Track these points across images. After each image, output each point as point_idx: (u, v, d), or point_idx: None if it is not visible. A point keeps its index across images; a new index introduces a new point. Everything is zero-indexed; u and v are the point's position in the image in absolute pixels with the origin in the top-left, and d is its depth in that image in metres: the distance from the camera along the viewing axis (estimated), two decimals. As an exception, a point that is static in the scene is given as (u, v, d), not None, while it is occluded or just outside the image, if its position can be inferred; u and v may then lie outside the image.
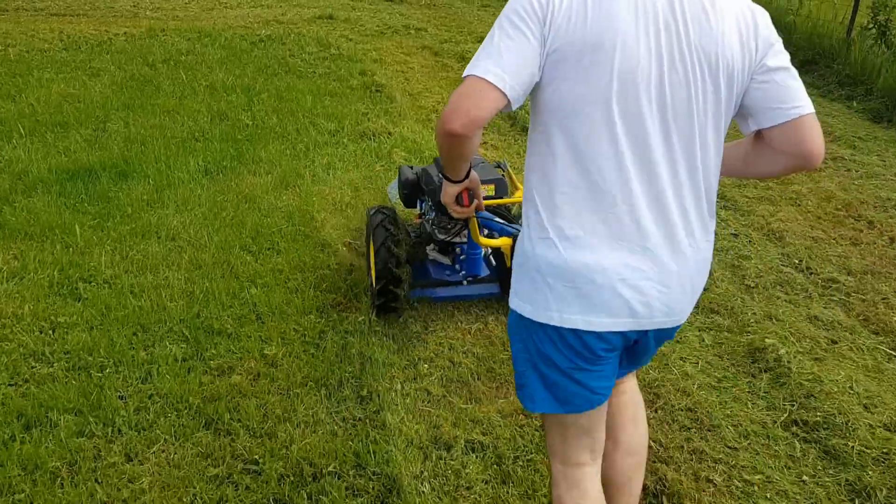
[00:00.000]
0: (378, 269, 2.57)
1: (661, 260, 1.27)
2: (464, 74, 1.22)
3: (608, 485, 1.53)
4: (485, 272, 2.86)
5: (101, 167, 3.67)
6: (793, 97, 1.25)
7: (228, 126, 4.44)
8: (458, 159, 1.38)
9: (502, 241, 2.37)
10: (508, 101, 1.19)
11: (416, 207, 2.99)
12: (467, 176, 1.49)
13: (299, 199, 3.46)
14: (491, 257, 2.93)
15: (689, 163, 1.26)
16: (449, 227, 2.73)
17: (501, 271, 2.78)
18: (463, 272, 2.84)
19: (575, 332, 1.29)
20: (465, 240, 2.79)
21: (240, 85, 5.24)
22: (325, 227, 3.22)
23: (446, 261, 2.90)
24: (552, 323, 1.29)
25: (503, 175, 2.82)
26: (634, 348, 1.39)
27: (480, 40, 1.39)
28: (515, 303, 1.36)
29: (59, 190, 3.43)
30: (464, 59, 6.08)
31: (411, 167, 2.94)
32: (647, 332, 1.32)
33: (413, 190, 2.86)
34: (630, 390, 1.61)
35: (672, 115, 1.22)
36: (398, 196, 2.99)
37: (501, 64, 1.19)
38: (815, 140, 1.26)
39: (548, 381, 1.36)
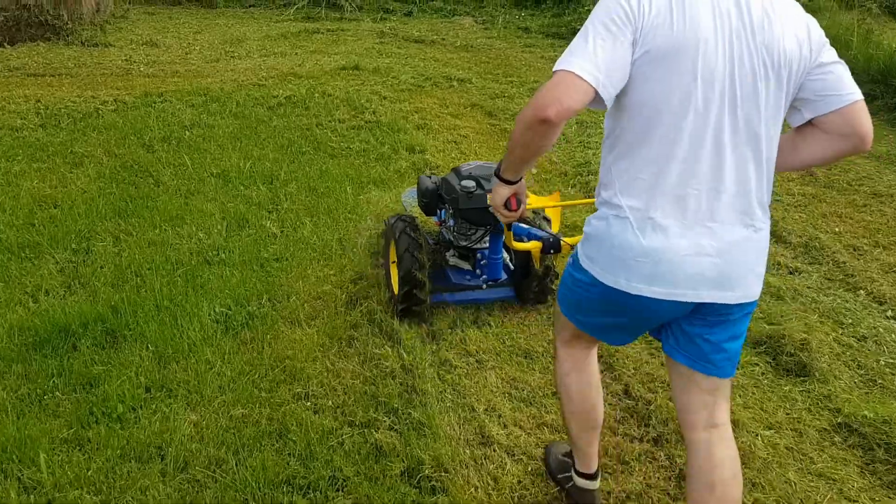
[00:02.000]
0: (402, 274, 2.83)
1: (724, 240, 1.57)
2: (555, 69, 1.50)
3: None
4: (504, 276, 3.12)
5: (80, 325, 2.79)
6: (847, 85, 1.57)
7: (250, 238, 3.57)
8: (531, 154, 1.63)
9: (532, 245, 2.57)
10: (600, 97, 1.48)
11: (434, 215, 3.25)
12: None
13: (359, 365, 2.57)
14: (509, 262, 3.21)
15: (755, 152, 1.57)
16: (469, 233, 3.05)
17: (517, 276, 3.12)
18: (483, 276, 3.11)
19: (638, 297, 1.61)
20: (485, 246, 3.09)
21: (260, 172, 4.38)
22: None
23: (466, 266, 3.18)
24: (619, 287, 1.62)
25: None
26: (698, 326, 1.67)
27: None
28: (586, 262, 1.69)
29: (19, 372, 2.52)
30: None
31: (430, 177, 3.22)
32: (705, 307, 1.62)
33: (433, 199, 3.13)
34: (727, 438, 1.74)
35: (742, 109, 1.53)
36: (414, 204, 3.35)
37: (596, 62, 1.47)
38: (868, 122, 1.57)
39: (583, 317, 1.82)
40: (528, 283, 3.09)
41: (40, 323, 2.79)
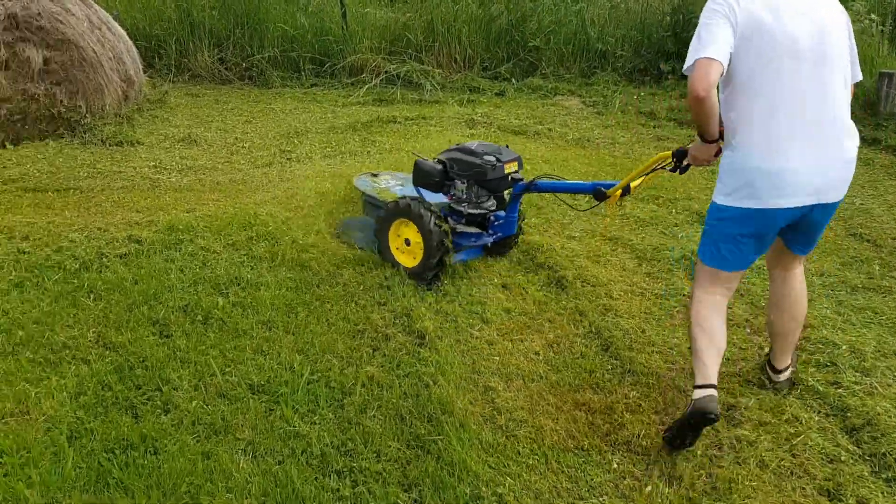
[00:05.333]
0: (434, 245, 3.82)
1: (825, 158, 2.58)
2: (694, 59, 2.50)
3: (777, 334, 3.08)
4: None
5: None
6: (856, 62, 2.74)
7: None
8: (708, 119, 2.57)
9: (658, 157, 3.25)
10: (723, 67, 2.50)
11: (440, 193, 4.14)
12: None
13: None
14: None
15: (834, 94, 2.58)
16: (481, 201, 4.08)
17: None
18: (498, 234, 4.19)
19: (778, 211, 2.59)
20: (494, 210, 4.16)
21: (324, 381, 3.12)
22: None
23: (470, 230, 4.13)
24: (756, 207, 2.59)
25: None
26: (807, 224, 2.73)
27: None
28: (721, 197, 2.68)
29: None
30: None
31: (426, 159, 4.15)
32: (813, 207, 2.62)
33: (442, 177, 4.07)
34: (800, 276, 3.02)
35: (821, 60, 2.55)
36: (369, 189, 4.49)
37: (717, 46, 2.49)
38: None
39: (725, 249, 2.75)
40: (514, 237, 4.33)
41: None
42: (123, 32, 7.91)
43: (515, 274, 4.22)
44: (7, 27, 6.61)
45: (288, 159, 6.49)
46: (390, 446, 2.74)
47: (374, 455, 2.71)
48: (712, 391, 2.69)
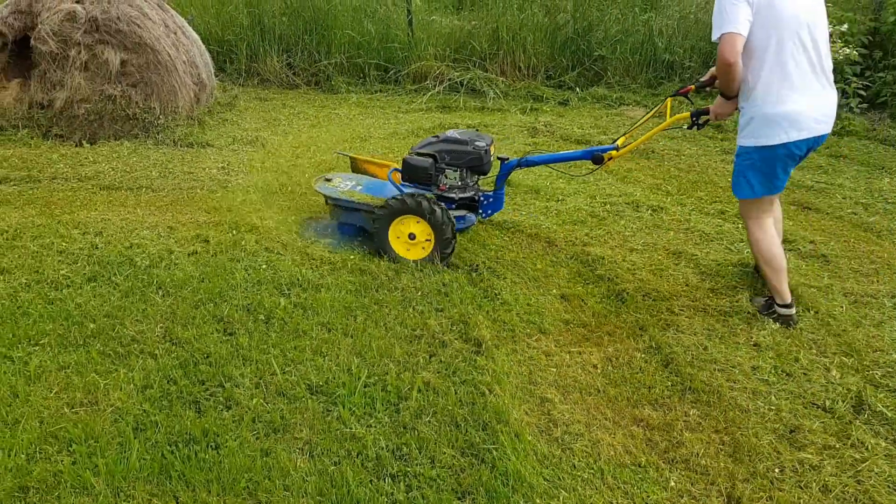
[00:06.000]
0: (448, 237, 4.18)
1: (821, 99, 3.44)
2: (721, 34, 3.29)
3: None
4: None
5: None
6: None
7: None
8: (734, 80, 3.41)
9: (683, 115, 3.98)
10: (744, 39, 3.30)
11: (435, 185, 4.43)
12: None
13: None
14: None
15: (824, 52, 3.43)
16: (472, 184, 4.53)
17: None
18: (490, 211, 4.58)
19: (795, 143, 3.42)
20: (483, 190, 4.60)
21: (380, 384, 3.16)
22: None
23: (460, 213, 4.47)
24: (784, 141, 3.42)
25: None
26: (807, 152, 3.56)
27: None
28: (752, 140, 3.50)
29: None
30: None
31: (413, 155, 4.48)
32: (817, 139, 3.47)
33: (435, 170, 4.39)
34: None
35: (812, 30, 3.36)
36: (336, 194, 4.60)
37: (738, 22, 3.26)
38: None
39: (767, 179, 3.55)
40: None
41: None
42: (197, 37, 8.14)
43: (575, 285, 4.19)
44: (87, 30, 6.88)
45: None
46: (445, 453, 2.75)
47: (429, 461, 2.72)
48: (793, 309, 3.74)
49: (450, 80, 9.42)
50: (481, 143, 4.38)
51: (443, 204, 4.22)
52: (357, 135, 7.53)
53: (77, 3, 6.99)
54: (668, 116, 4.19)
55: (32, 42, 6.93)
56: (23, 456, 2.69)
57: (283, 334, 3.55)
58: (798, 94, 3.41)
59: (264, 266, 4.25)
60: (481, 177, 4.63)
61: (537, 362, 3.43)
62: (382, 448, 2.76)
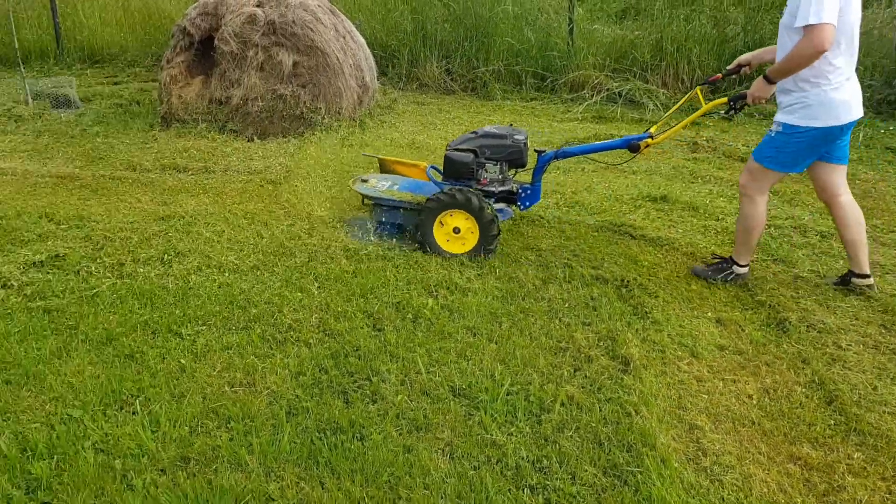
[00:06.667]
0: (493, 233, 4.35)
1: (858, 85, 3.81)
2: (816, 22, 3.42)
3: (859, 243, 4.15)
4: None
5: None
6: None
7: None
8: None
9: (721, 100, 4.13)
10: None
11: (475, 180, 4.55)
12: None
13: None
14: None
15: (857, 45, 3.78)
16: (511, 177, 4.71)
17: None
18: (528, 203, 4.66)
19: (847, 125, 3.77)
20: (522, 183, 4.72)
21: (522, 393, 3.14)
22: None
23: (501, 206, 4.70)
24: (836, 124, 3.73)
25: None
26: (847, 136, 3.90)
27: None
28: (808, 121, 3.74)
29: None
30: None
31: (453, 151, 4.57)
32: (856, 121, 3.80)
33: (475, 164, 4.51)
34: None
35: (856, 26, 3.68)
36: (375, 193, 4.74)
37: (834, 13, 3.44)
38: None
39: (803, 158, 3.89)
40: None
41: None
42: (363, 42, 8.47)
43: (732, 309, 3.99)
44: (265, 32, 7.32)
45: (503, 171, 6.60)
46: (586, 470, 2.69)
47: (570, 476, 2.67)
48: (747, 269, 4.27)
49: (608, 90, 9.26)
50: (520, 137, 4.53)
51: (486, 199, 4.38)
52: (511, 142, 7.54)
53: (258, 6, 7.46)
54: (702, 104, 4.32)
55: (216, 42, 7.46)
56: (186, 428, 2.88)
57: (430, 334, 3.61)
58: (851, 82, 3.78)
59: (413, 266, 4.34)
60: (520, 170, 4.76)
61: (688, 387, 3.29)
62: (523, 458, 2.74)
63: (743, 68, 4.38)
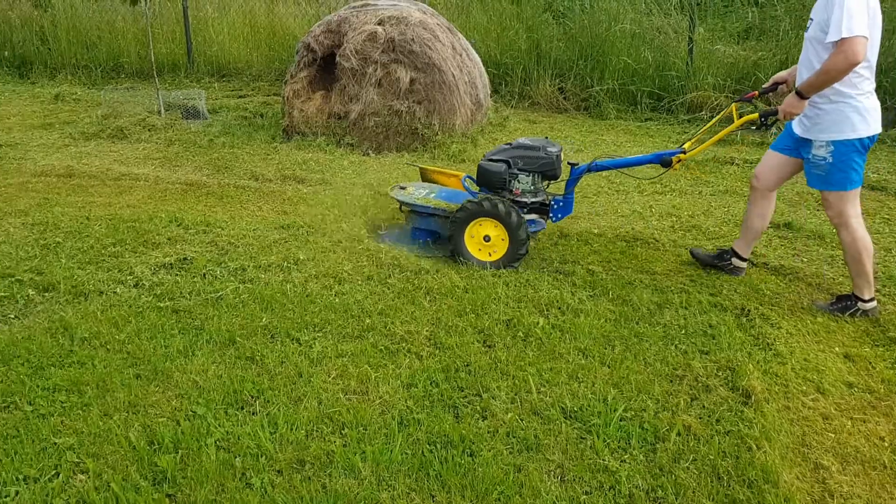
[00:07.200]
0: (522, 239, 4.44)
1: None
2: (849, 35, 3.47)
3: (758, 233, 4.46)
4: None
5: None
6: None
7: None
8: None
9: (752, 116, 4.26)
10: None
11: (508, 190, 4.66)
12: None
13: None
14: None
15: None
16: (543, 189, 4.76)
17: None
18: (559, 215, 4.70)
19: (871, 137, 3.80)
20: (555, 195, 4.78)
21: (637, 420, 3.03)
22: None
23: (532, 217, 4.66)
24: (872, 134, 3.80)
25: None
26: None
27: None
28: (852, 133, 3.78)
29: None
30: None
31: (487, 161, 4.71)
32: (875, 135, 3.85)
33: (507, 174, 4.60)
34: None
35: (879, 37, 3.76)
36: (412, 201, 4.86)
37: (865, 26, 3.50)
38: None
39: (859, 171, 3.86)
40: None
41: None
42: (479, 59, 8.56)
43: (862, 345, 3.77)
44: (385, 49, 7.52)
45: (617, 191, 6.50)
46: (703, 504, 2.60)
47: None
48: (874, 302, 4.07)
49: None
50: (553, 150, 4.62)
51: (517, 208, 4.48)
52: (624, 162, 7.42)
53: (379, 24, 7.67)
54: (735, 120, 4.33)
55: (337, 59, 7.72)
56: (302, 431, 2.97)
57: (540, 354, 3.58)
58: (873, 92, 3.86)
59: (524, 284, 4.33)
60: (552, 181, 4.82)
61: (813, 424, 3.12)
62: (637, 487, 2.67)
63: (780, 86, 4.39)
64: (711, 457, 2.84)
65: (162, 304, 4.04)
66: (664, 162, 4.47)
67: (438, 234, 4.92)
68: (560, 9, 11.28)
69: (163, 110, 8.86)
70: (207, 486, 2.65)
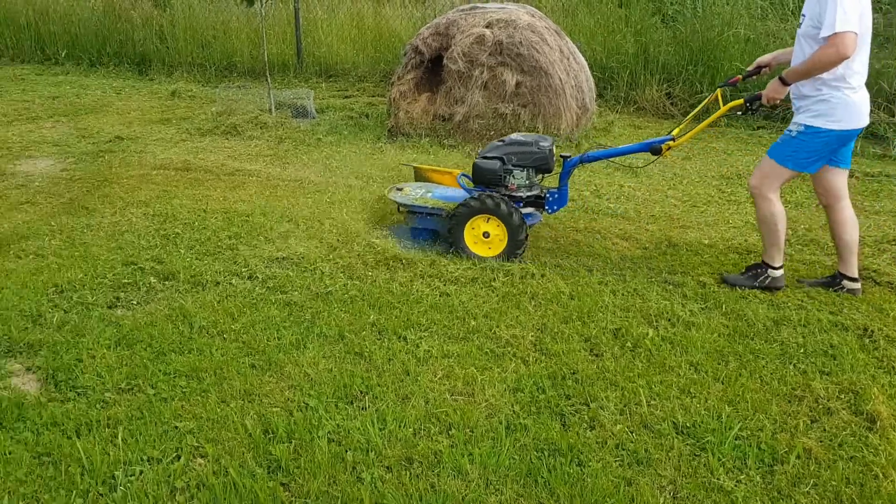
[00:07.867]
0: (521, 237, 4.55)
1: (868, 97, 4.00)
2: (846, 29, 3.59)
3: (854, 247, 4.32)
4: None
5: None
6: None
7: None
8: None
9: (737, 102, 4.37)
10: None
11: (503, 186, 4.75)
12: None
13: None
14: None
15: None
16: (538, 182, 4.89)
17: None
18: (555, 207, 4.83)
19: (856, 129, 3.96)
20: (550, 187, 4.92)
21: (755, 442, 2.88)
22: None
23: (527, 210, 4.81)
24: (856, 127, 3.95)
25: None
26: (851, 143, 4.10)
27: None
28: (833, 123, 3.90)
29: None
30: None
31: (481, 159, 4.79)
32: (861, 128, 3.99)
33: (503, 171, 4.72)
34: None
35: (870, 31, 3.87)
36: (408, 201, 4.98)
37: (854, 21, 3.61)
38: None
39: (821, 158, 4.03)
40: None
41: None
42: (585, 63, 8.45)
43: None
44: (492, 52, 7.53)
45: (728, 201, 6.29)
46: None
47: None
48: (781, 271, 4.30)
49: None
50: (545, 144, 4.78)
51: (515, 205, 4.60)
52: (735, 172, 7.18)
53: (487, 27, 7.69)
54: (721, 106, 4.45)
55: (444, 61, 7.78)
56: (410, 429, 3.00)
57: (650, 366, 3.49)
58: (864, 87, 3.96)
59: (633, 292, 4.24)
60: (546, 175, 4.94)
61: (946, 457, 2.92)
62: (754, 510, 2.57)
63: (763, 69, 4.54)
64: (834, 482, 2.71)
65: (274, 297, 4.17)
66: (654, 150, 4.58)
67: (438, 232, 4.99)
68: (669, 12, 11.01)
69: (273, 109, 9.14)
70: (320, 478, 2.71)
